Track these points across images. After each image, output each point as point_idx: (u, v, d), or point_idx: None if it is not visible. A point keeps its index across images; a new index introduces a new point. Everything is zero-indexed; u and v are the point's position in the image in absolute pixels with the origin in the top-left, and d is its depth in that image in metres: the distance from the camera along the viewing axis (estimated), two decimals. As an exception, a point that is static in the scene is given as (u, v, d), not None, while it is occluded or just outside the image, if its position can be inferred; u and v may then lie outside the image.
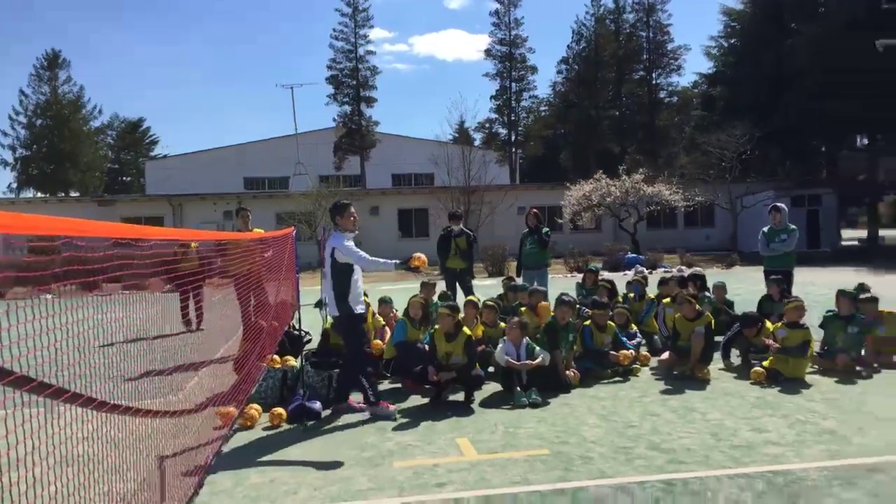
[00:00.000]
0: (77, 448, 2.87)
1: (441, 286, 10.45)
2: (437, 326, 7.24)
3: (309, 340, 9.08)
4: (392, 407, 6.44)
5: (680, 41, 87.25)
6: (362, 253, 6.41)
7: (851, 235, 43.37)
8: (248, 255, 7.89)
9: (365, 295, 6.87)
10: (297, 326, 9.35)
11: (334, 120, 51.67)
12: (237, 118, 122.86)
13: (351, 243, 6.39)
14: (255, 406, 6.39)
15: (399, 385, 7.56)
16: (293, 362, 7.62)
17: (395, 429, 5.98)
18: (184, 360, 5.68)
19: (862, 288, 8.41)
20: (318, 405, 6.46)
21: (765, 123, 36.34)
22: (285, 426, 6.14)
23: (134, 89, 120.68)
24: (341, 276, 6.35)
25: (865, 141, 40.80)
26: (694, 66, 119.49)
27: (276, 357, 7.81)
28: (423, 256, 6.43)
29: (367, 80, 51.31)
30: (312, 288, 14.36)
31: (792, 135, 37.37)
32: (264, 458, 5.28)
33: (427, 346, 7.31)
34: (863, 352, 7.69)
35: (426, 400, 6.94)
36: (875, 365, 7.58)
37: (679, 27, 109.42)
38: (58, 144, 58.52)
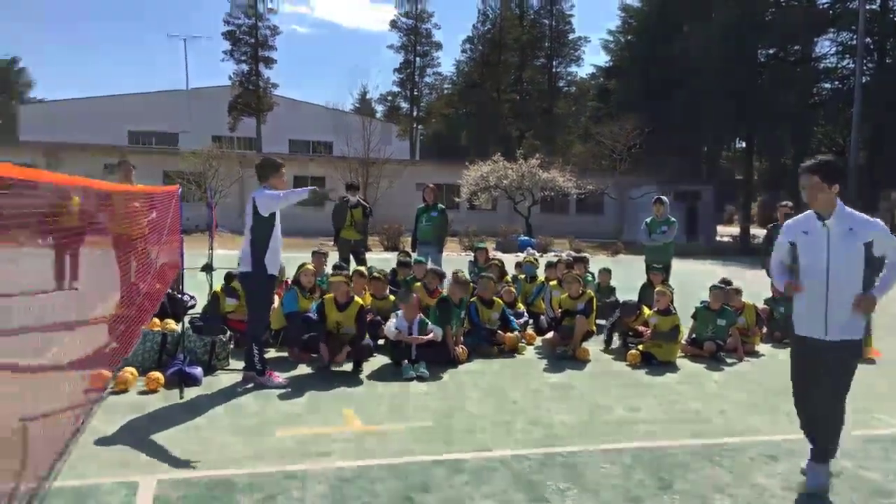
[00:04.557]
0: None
1: (333, 257, 10.33)
2: (328, 295, 7.15)
3: (193, 305, 8.75)
4: (280, 378, 6.31)
5: (581, 32, 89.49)
6: (279, 192, 6.16)
7: (725, 231, 46.30)
8: (131, 214, 7.47)
9: None
10: (180, 289, 8.98)
11: (230, 78, 49.54)
12: (120, 67, 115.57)
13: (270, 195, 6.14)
14: (131, 370, 6.08)
15: (286, 354, 7.41)
16: (173, 326, 7.32)
17: (279, 398, 5.87)
18: (54, 318, 5.33)
19: (725, 281, 9.01)
20: (198, 370, 6.25)
21: (654, 119, 38.10)
22: (163, 391, 5.90)
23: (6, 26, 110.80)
24: (260, 233, 6.10)
25: (743, 144, 43.55)
26: (592, 59, 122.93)
27: (155, 320, 7.47)
28: None
29: (266, 39, 49.50)
30: (200, 251, 13.81)
31: (678, 132, 39.37)
32: (137, 424, 5.05)
33: (315, 316, 7.18)
34: (728, 341, 8.23)
35: (311, 370, 6.86)
36: (739, 353, 8.13)
37: (580, 19, 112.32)
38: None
